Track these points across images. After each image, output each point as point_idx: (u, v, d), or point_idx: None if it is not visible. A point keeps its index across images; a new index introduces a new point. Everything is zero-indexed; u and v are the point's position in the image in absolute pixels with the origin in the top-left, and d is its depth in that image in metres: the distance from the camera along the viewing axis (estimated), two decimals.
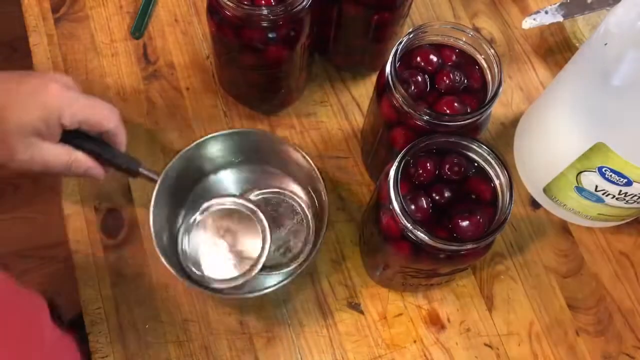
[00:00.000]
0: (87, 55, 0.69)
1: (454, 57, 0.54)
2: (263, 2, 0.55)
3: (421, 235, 0.46)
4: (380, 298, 0.61)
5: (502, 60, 0.66)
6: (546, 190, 0.64)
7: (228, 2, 0.52)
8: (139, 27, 0.67)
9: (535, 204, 0.67)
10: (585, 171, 0.56)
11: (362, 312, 0.61)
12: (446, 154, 0.50)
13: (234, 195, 0.61)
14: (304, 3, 0.54)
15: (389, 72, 0.51)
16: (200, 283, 0.57)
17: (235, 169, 0.64)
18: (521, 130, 0.69)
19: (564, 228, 0.66)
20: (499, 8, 0.76)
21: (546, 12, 0.70)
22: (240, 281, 0.57)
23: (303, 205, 0.62)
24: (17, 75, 0.51)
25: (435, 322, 0.61)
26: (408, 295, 0.62)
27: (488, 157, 0.49)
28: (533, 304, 0.62)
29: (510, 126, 0.70)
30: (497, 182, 0.49)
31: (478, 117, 0.50)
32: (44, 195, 1.30)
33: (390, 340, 0.60)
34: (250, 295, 0.57)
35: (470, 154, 0.50)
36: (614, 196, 0.57)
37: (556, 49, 0.74)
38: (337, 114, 0.69)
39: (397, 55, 0.51)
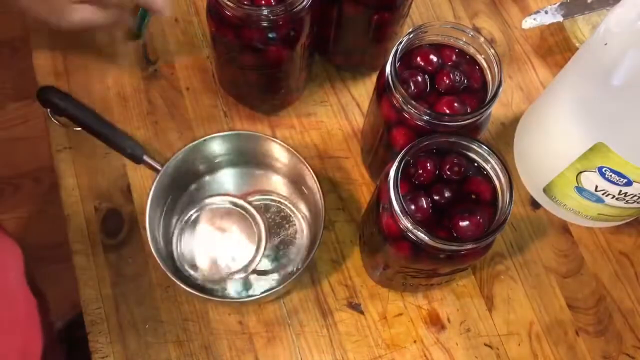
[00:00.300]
0: (87, 55, 0.69)
1: (454, 57, 0.54)
2: (263, 2, 0.55)
3: (421, 235, 0.46)
4: (380, 298, 0.61)
5: (502, 60, 0.66)
6: (546, 190, 0.64)
7: (228, 2, 0.52)
8: (138, 27, 0.68)
9: (535, 204, 0.67)
10: (585, 171, 0.56)
11: (362, 312, 0.61)
12: (446, 154, 0.50)
13: (234, 196, 0.61)
14: (304, 3, 0.54)
15: (389, 72, 0.51)
16: (197, 286, 0.57)
17: (234, 171, 0.64)
18: (521, 130, 0.69)
19: (564, 228, 0.66)
20: (499, 8, 0.76)
21: (546, 12, 0.70)
22: (228, 282, 0.57)
23: (300, 217, 0.62)
24: None
25: (435, 322, 0.61)
26: (408, 295, 0.62)
27: (488, 157, 0.49)
28: (533, 304, 0.62)
29: (510, 126, 0.70)
30: (497, 182, 0.49)
31: (478, 117, 0.50)
32: (44, 195, 1.30)
33: (390, 340, 0.60)
34: (249, 299, 0.57)
35: (470, 154, 0.50)
36: (614, 196, 0.57)
37: (556, 49, 0.74)
38: (337, 114, 0.69)
39: (397, 55, 0.51)
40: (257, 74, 0.62)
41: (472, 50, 0.54)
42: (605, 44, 0.51)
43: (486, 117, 0.53)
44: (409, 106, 0.50)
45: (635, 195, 0.56)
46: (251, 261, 0.58)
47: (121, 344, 0.58)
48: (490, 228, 0.48)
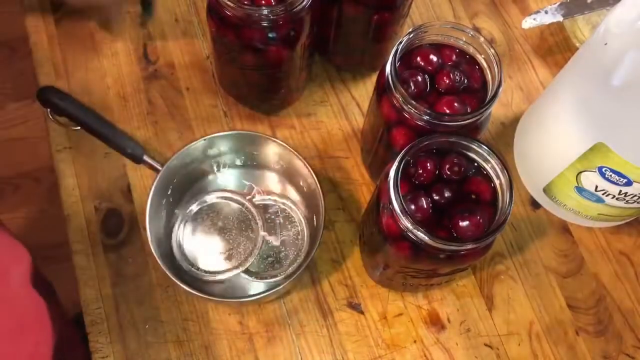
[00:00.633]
0: (87, 55, 0.69)
1: (454, 57, 0.54)
2: (263, 2, 0.55)
3: (421, 235, 0.46)
4: (380, 298, 0.61)
5: (502, 60, 0.66)
6: (546, 190, 0.64)
7: (228, 2, 0.52)
8: (147, 6, 0.67)
9: (535, 204, 0.67)
10: (585, 171, 0.56)
11: (362, 312, 0.61)
12: (446, 154, 0.50)
13: (234, 195, 0.61)
14: (304, 3, 0.54)
15: (389, 72, 0.51)
16: (197, 286, 0.57)
17: (234, 171, 0.64)
18: (521, 130, 0.69)
19: (564, 228, 0.66)
20: (499, 8, 0.76)
21: (546, 12, 0.70)
22: (225, 276, 0.57)
23: (300, 217, 0.62)
24: None
25: (435, 322, 0.61)
26: (408, 295, 0.62)
27: (488, 157, 0.49)
28: (533, 304, 0.62)
29: (510, 126, 0.70)
30: (497, 182, 0.49)
31: (478, 117, 0.50)
32: (44, 195, 1.30)
33: (390, 340, 0.60)
34: (249, 299, 0.57)
35: (470, 154, 0.50)
36: (614, 196, 0.57)
37: (556, 49, 0.74)
38: (337, 114, 0.69)
39: (397, 55, 0.51)
40: (257, 74, 0.62)
41: (472, 50, 0.54)
42: (605, 44, 0.51)
43: (486, 117, 0.53)
44: (409, 106, 0.50)
45: (635, 195, 0.56)
46: (249, 255, 0.58)
47: (121, 344, 0.58)
48: (490, 228, 0.48)
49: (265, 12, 0.53)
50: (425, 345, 0.60)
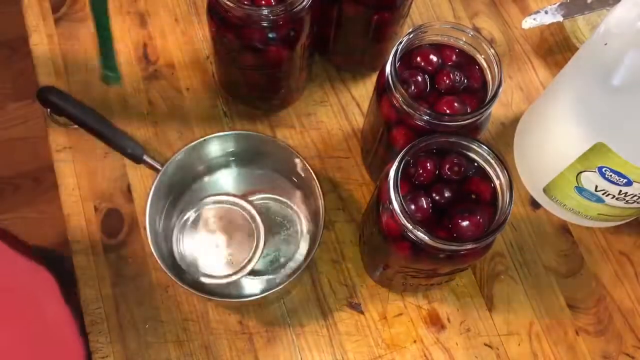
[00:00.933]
0: (87, 55, 0.69)
1: (454, 57, 0.54)
2: (263, 2, 0.55)
3: (421, 235, 0.46)
4: (380, 298, 0.61)
5: (502, 60, 0.66)
6: (546, 190, 0.64)
7: (228, 2, 0.52)
8: (111, 67, 0.59)
9: (535, 204, 0.67)
10: (585, 171, 0.56)
11: (362, 312, 0.61)
12: (446, 154, 0.50)
13: (234, 196, 0.61)
14: (304, 3, 0.54)
15: (389, 72, 0.51)
16: (197, 286, 0.57)
17: (234, 171, 0.64)
18: (521, 130, 0.69)
19: (564, 228, 0.66)
20: (499, 8, 0.76)
21: (546, 12, 0.70)
22: (224, 281, 0.57)
23: (302, 217, 0.62)
24: None
25: (435, 322, 0.61)
26: (408, 295, 0.62)
27: (488, 157, 0.49)
28: (533, 304, 0.62)
29: (510, 126, 0.70)
30: (497, 182, 0.49)
31: (478, 117, 0.50)
32: (44, 195, 1.30)
33: (390, 340, 0.60)
34: (249, 299, 0.57)
35: (470, 154, 0.50)
36: (614, 196, 0.57)
37: (556, 49, 0.74)
38: (337, 114, 0.69)
39: (397, 55, 0.51)
40: (257, 74, 0.62)
41: (472, 50, 0.54)
42: (605, 44, 0.51)
43: (486, 117, 0.53)
44: (409, 106, 0.50)
45: (635, 195, 0.56)
46: (250, 261, 0.58)
47: (121, 344, 0.58)
48: (490, 228, 0.47)
49: (265, 12, 0.53)
50: (425, 345, 0.60)
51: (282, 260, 0.61)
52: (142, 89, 0.68)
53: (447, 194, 0.49)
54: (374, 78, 0.69)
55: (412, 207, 0.48)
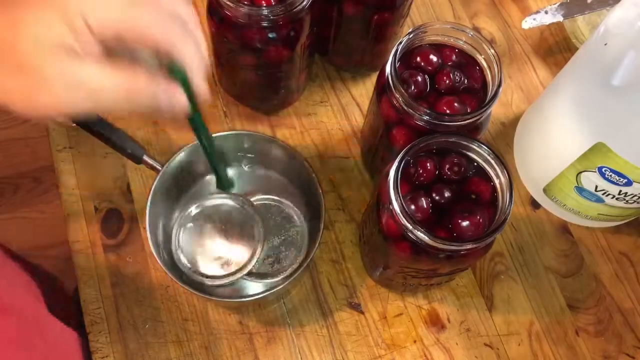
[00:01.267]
0: None
1: (454, 57, 0.54)
2: (263, 2, 0.55)
3: (421, 235, 0.46)
4: (380, 298, 0.61)
5: (502, 60, 0.66)
6: (546, 190, 0.64)
7: (228, 2, 0.52)
8: (222, 181, 0.54)
9: (535, 204, 0.67)
10: (585, 171, 0.56)
11: (362, 312, 0.61)
12: (446, 154, 0.50)
13: (234, 196, 0.61)
14: (304, 3, 0.54)
15: (389, 72, 0.51)
16: (197, 286, 0.57)
17: (234, 171, 0.64)
18: (521, 130, 0.69)
19: (564, 228, 0.66)
20: (499, 8, 0.76)
21: (546, 12, 0.70)
22: (224, 281, 0.57)
23: (302, 218, 0.62)
24: None
25: (435, 322, 0.61)
26: (408, 295, 0.62)
27: (488, 157, 0.49)
28: (533, 304, 0.62)
29: (510, 126, 0.70)
30: (497, 182, 0.49)
31: (478, 117, 0.50)
32: (44, 195, 1.30)
33: (390, 340, 0.60)
34: (249, 299, 0.57)
35: (470, 154, 0.50)
36: (614, 196, 0.57)
37: (556, 49, 0.74)
38: (337, 114, 0.69)
39: (397, 55, 0.51)
40: (257, 74, 0.62)
41: (472, 50, 0.54)
42: (605, 44, 0.51)
43: (486, 117, 0.53)
44: (409, 106, 0.50)
45: (635, 195, 0.56)
46: (249, 261, 0.58)
47: (121, 344, 0.58)
48: (490, 228, 0.48)
49: (265, 12, 0.53)
50: (425, 345, 0.60)
51: (282, 260, 0.61)
52: None
53: (447, 194, 0.49)
54: (374, 78, 0.69)
55: (412, 207, 0.48)
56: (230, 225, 0.60)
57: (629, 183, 0.54)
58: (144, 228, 0.56)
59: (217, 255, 0.59)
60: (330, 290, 0.61)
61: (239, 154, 0.62)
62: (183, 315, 0.60)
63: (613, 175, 0.54)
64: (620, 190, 0.55)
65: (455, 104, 0.52)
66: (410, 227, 0.46)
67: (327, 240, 0.63)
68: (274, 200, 0.62)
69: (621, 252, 0.65)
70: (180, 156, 0.58)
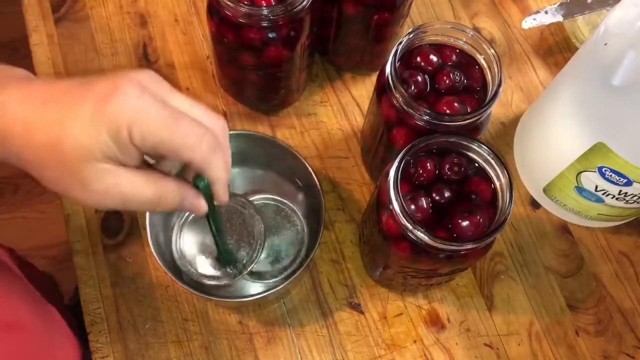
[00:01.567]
0: (87, 55, 0.69)
1: (454, 57, 0.54)
2: (263, 2, 0.55)
3: (421, 235, 0.46)
4: (380, 298, 0.61)
5: (502, 60, 0.66)
6: (546, 190, 0.64)
7: (228, 2, 0.52)
8: (228, 259, 0.56)
9: (535, 204, 0.67)
10: (585, 171, 0.56)
11: (362, 312, 0.61)
12: (446, 154, 0.50)
13: (234, 195, 0.61)
14: (304, 3, 0.54)
15: (389, 72, 0.51)
16: (197, 286, 0.57)
17: (234, 171, 0.64)
18: (521, 130, 0.69)
19: (564, 228, 0.66)
20: (499, 8, 0.76)
21: (546, 12, 0.70)
22: (224, 281, 0.57)
23: (301, 218, 0.62)
24: (77, 85, 0.39)
25: (435, 322, 0.61)
26: (408, 295, 0.62)
27: (488, 157, 0.49)
28: (533, 304, 0.62)
29: (510, 126, 0.70)
30: (497, 182, 0.49)
31: (478, 117, 0.50)
32: (44, 195, 1.30)
33: (390, 340, 0.60)
34: (249, 299, 0.57)
35: (470, 154, 0.50)
36: (614, 196, 0.57)
37: (556, 49, 0.74)
38: (337, 114, 0.69)
39: (397, 55, 0.51)
40: (257, 74, 0.62)
41: (472, 50, 0.54)
42: (605, 44, 0.51)
43: (486, 117, 0.53)
44: (409, 106, 0.50)
45: (635, 195, 0.56)
46: (250, 261, 0.58)
47: (121, 344, 0.58)
48: (490, 228, 0.48)
49: (265, 12, 0.53)
50: (425, 345, 0.60)
51: (282, 260, 0.61)
52: None
53: (447, 194, 0.49)
54: (374, 78, 0.69)
55: (412, 207, 0.48)
56: (231, 225, 0.60)
57: (629, 183, 0.54)
58: (144, 228, 0.56)
59: (217, 255, 0.59)
60: (330, 290, 0.61)
61: (238, 153, 0.62)
62: (183, 315, 0.60)
63: (613, 175, 0.54)
64: (620, 190, 0.55)
65: (455, 104, 0.52)
66: (410, 227, 0.46)
67: (327, 240, 0.63)
68: (274, 200, 0.62)
69: (621, 252, 0.65)
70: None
